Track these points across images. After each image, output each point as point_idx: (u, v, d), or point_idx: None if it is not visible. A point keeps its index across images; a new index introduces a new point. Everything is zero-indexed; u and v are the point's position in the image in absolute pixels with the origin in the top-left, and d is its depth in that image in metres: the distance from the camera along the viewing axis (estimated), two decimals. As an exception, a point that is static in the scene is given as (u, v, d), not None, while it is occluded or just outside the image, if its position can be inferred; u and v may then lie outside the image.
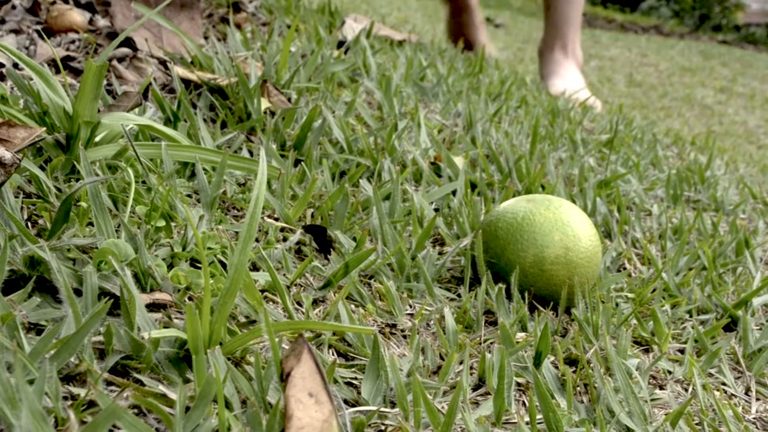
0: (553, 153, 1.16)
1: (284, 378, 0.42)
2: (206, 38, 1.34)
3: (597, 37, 5.48)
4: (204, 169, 0.74)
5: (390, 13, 4.32)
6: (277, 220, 0.73)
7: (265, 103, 0.96)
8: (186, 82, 0.98)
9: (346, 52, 1.40)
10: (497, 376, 0.52)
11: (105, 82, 0.92)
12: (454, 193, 0.89)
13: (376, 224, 0.74)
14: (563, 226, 0.69)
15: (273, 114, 0.96)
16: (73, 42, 1.09)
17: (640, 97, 3.72)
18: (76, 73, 0.97)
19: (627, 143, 1.46)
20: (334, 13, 1.84)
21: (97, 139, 0.69)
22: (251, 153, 0.86)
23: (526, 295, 0.68)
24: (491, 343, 0.63)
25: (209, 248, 0.61)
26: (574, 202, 0.97)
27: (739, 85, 4.53)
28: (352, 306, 0.63)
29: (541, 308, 0.70)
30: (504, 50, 4.11)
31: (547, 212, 0.70)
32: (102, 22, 1.19)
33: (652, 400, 0.60)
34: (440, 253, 0.77)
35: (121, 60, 1.05)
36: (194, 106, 0.95)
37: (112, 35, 1.13)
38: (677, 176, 1.19)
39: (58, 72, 0.94)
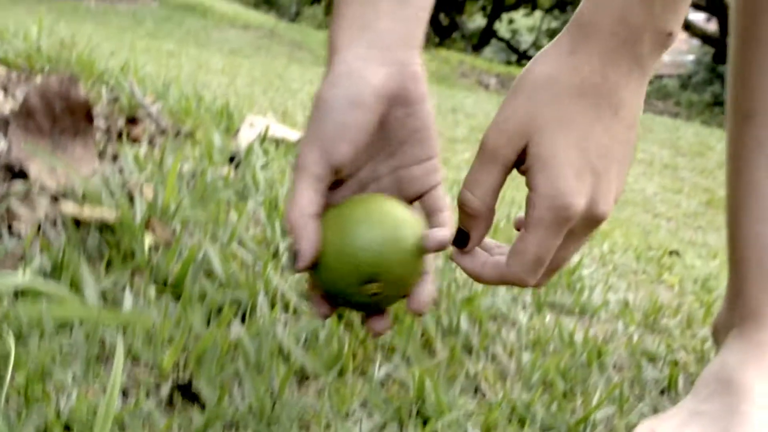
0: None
1: None
2: (103, 154, 1.41)
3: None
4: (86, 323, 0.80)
5: (302, 87, 4.42)
6: (152, 369, 0.80)
7: (150, 238, 1.03)
8: (77, 218, 1.05)
9: (238, 166, 1.48)
10: None
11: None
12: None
13: (243, 369, 0.81)
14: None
15: (159, 247, 1.03)
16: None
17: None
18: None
19: (509, 240, 1.56)
20: (232, 114, 1.92)
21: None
22: (136, 293, 0.93)
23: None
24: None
25: (83, 411, 0.67)
26: (439, 318, 1.06)
27: (639, 152, 4.73)
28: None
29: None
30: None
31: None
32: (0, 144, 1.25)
33: None
34: (305, 388, 0.85)
35: (14, 194, 1.11)
36: (84, 242, 1.02)
37: (8, 167, 1.19)
38: (544, 282, 1.29)
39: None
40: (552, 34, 21.63)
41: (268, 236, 1.18)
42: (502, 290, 1.23)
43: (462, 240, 0.68)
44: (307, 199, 0.67)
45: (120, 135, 1.55)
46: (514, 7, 22.02)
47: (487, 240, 0.70)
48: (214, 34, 8.56)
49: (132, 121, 1.60)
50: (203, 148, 1.52)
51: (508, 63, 20.16)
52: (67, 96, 1.25)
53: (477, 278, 0.69)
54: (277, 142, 1.80)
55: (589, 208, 0.63)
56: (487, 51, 22.98)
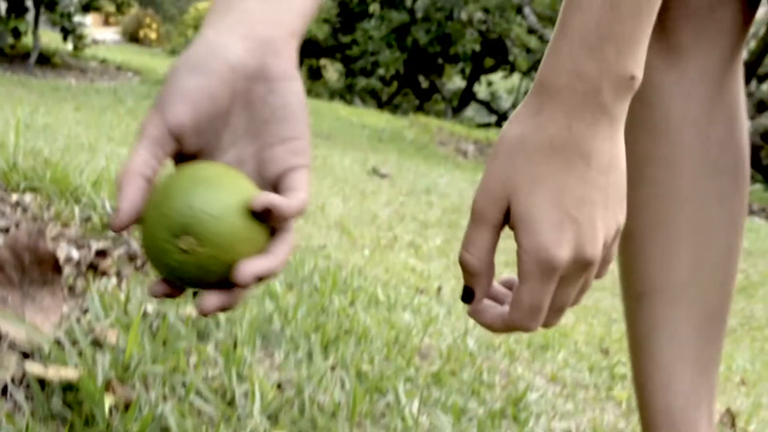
0: (379, 401, 1.32)
1: None
2: (73, 290, 1.48)
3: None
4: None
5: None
6: None
7: (111, 399, 1.10)
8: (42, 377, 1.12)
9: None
10: None
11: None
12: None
13: None
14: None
15: (119, 407, 1.10)
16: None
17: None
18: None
19: (461, 362, 1.63)
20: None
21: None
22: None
23: None
24: None
25: None
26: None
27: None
28: None
29: None
30: (385, 207, 4.33)
31: None
32: (-31, 303, 1.32)
33: None
34: None
35: (-15, 349, 1.18)
36: (48, 402, 1.08)
37: (-22, 319, 1.26)
38: (489, 414, 1.36)
39: None
40: (530, 95, 21.88)
41: (225, 383, 1.25)
42: (448, 428, 1.30)
43: (468, 296, 0.72)
44: (139, 160, 0.64)
45: (90, 266, 1.62)
46: (493, 70, 22.33)
47: (498, 287, 0.74)
48: (194, 110, 8.64)
49: (101, 253, 1.67)
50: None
51: (487, 125, 20.43)
52: (36, 248, 1.32)
53: (489, 329, 0.73)
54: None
55: (575, 255, 0.66)
56: (469, 110, 23.25)
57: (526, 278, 0.67)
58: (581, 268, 0.67)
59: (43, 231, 1.33)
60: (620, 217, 0.69)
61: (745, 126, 0.97)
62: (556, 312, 0.70)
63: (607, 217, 0.67)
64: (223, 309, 0.64)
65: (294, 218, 0.64)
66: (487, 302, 0.73)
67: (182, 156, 0.68)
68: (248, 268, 0.61)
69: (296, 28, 0.68)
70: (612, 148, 0.67)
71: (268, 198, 0.62)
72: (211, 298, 0.63)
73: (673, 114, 0.93)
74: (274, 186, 0.66)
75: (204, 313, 0.63)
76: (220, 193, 0.62)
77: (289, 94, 0.66)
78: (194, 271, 0.62)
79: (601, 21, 0.63)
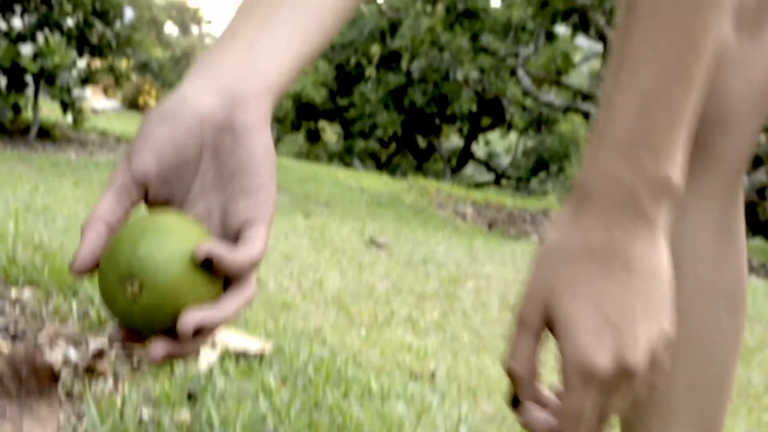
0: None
1: None
2: (70, 395, 1.51)
3: (475, 252, 5.79)
4: None
5: (275, 246, 4.54)
6: None
7: None
8: (38, 494, 1.15)
9: (197, 399, 1.58)
10: None
11: None
12: None
13: None
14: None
15: None
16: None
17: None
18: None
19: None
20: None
21: None
22: None
23: None
24: None
25: None
26: None
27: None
28: None
29: None
30: (383, 279, 4.35)
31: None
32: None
33: None
34: None
35: (-18, 466, 1.21)
36: None
37: (-24, 433, 1.29)
38: None
39: None
40: (527, 153, 22.09)
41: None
42: None
43: (515, 401, 0.72)
44: (104, 206, 0.64)
45: (87, 370, 1.65)
46: (490, 128, 22.50)
47: (547, 393, 0.72)
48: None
49: (98, 354, 1.71)
50: (162, 382, 1.62)
51: (486, 184, 20.54)
52: (33, 361, 1.36)
53: None
54: (238, 358, 1.91)
55: (616, 364, 0.64)
56: (468, 168, 23.39)
57: (568, 387, 0.66)
58: (623, 377, 0.65)
59: (41, 348, 1.37)
60: (664, 324, 0.66)
61: (743, 250, 0.98)
62: (600, 420, 0.68)
63: (649, 324, 0.65)
64: (173, 357, 0.63)
65: (248, 271, 0.63)
66: (535, 409, 0.71)
67: (155, 205, 0.67)
68: (190, 317, 0.60)
69: (273, 82, 0.69)
70: (652, 254, 0.65)
71: (210, 248, 0.61)
72: (158, 346, 0.61)
73: (670, 237, 0.96)
74: (236, 239, 0.65)
75: (152, 361, 0.62)
76: (168, 241, 0.61)
77: (254, 147, 0.66)
78: (140, 318, 0.61)
79: (635, 127, 0.63)
